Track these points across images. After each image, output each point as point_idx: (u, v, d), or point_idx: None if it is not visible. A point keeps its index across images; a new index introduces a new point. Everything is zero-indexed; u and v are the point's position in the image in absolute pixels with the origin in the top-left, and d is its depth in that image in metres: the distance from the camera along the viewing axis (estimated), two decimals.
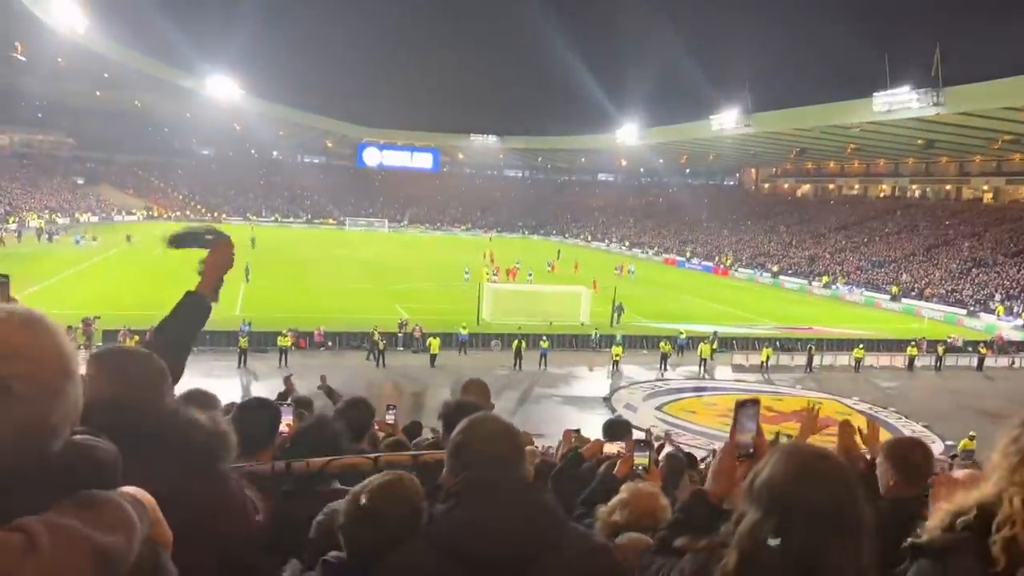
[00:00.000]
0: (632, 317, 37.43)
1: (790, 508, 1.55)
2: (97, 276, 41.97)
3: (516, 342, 29.32)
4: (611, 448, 5.12)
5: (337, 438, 3.05)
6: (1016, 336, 39.68)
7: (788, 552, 1.53)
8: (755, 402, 2.09)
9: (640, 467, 3.75)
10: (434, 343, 28.50)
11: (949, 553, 1.59)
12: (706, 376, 29.58)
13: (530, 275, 50.71)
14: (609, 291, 37.75)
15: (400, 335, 30.45)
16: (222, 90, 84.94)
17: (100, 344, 24.83)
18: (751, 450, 1.97)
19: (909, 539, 1.73)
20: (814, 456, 1.64)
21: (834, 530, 1.53)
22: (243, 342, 26.46)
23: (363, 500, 1.85)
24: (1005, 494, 1.56)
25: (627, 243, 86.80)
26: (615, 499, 2.85)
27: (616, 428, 5.81)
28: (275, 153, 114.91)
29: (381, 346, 28.04)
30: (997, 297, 48.12)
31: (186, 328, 2.59)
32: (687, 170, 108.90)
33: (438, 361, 28.17)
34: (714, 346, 31.61)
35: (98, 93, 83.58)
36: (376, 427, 6.79)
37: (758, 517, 1.58)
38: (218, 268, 2.63)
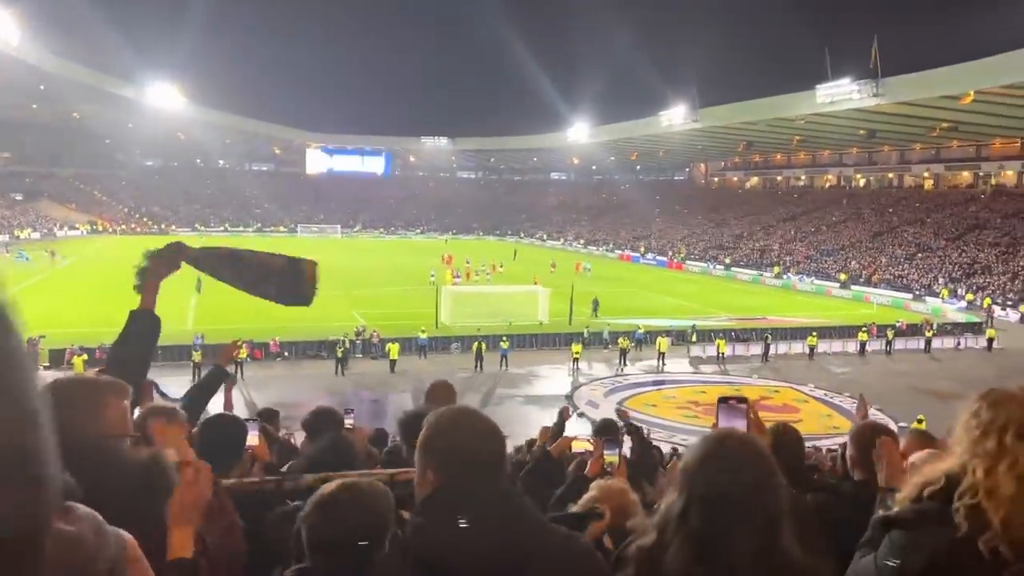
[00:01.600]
0: (589, 314, 37.63)
1: (697, 492, 1.59)
2: (41, 294, 40.72)
3: (476, 344, 29.24)
4: (578, 445, 5.12)
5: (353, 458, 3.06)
6: (960, 318, 40.89)
7: (692, 535, 1.56)
8: (741, 399, 2.08)
9: (610, 465, 3.76)
10: (393, 348, 28.27)
11: (917, 522, 1.64)
12: (664, 369, 29.88)
13: (489, 274, 50.74)
14: (565, 289, 37.89)
15: (358, 341, 30.13)
16: (164, 99, 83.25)
17: (46, 364, 24.05)
18: None
19: (880, 512, 1.77)
20: (727, 442, 1.66)
21: (736, 516, 1.55)
22: (196, 356, 25.86)
23: (327, 499, 1.80)
24: (969, 464, 1.61)
25: (582, 241, 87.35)
26: (586, 496, 2.85)
27: (607, 429, 5.85)
28: (222, 162, 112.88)
29: (339, 353, 27.73)
30: (941, 280, 49.62)
31: (138, 346, 2.49)
32: (638, 167, 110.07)
33: (398, 366, 27.95)
34: (693, 339, 32.60)
35: (35, 106, 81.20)
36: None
37: (672, 499, 1.63)
38: (158, 276, 2.53)
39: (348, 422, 7.54)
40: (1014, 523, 1.51)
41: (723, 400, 2.12)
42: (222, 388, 5.62)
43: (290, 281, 2.35)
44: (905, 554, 1.63)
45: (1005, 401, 1.68)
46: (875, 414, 23.37)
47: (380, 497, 1.83)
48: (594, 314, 37.60)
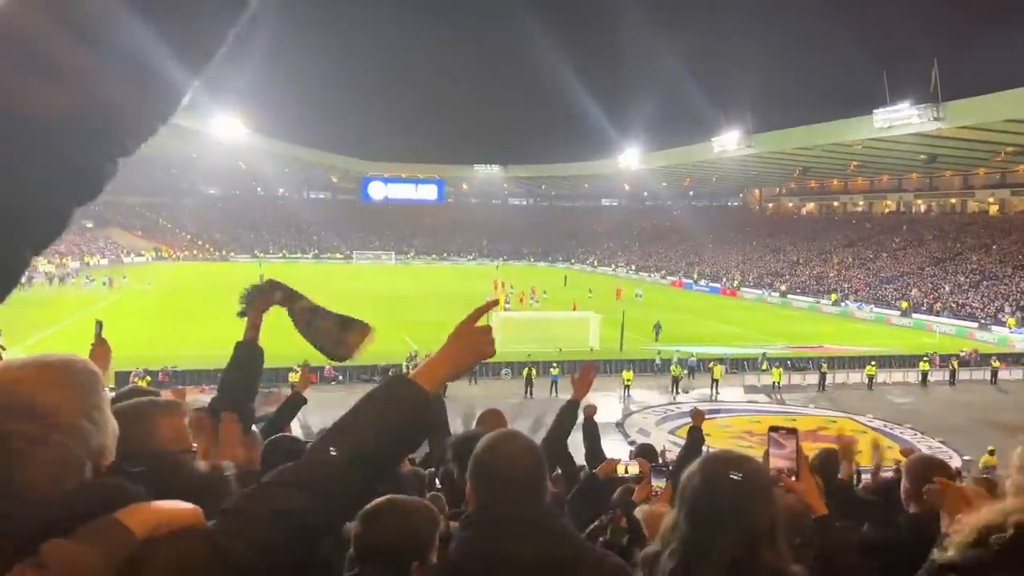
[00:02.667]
0: (641, 341, 37.34)
1: (686, 504, 1.70)
2: (109, 317, 42.16)
3: (526, 369, 29.25)
4: (624, 468, 5.15)
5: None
6: None
7: (682, 543, 1.67)
8: (791, 431, 2.15)
9: (657, 489, 3.83)
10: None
11: (983, 570, 1.61)
12: (717, 398, 29.41)
13: (541, 296, 50.93)
14: (616, 314, 37.70)
15: (410, 366, 30.45)
16: (226, 129, 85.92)
17: (112, 387, 24.85)
18: (792, 475, 2.03)
19: (933, 556, 1.75)
20: (720, 462, 1.74)
21: (718, 527, 1.62)
22: None
23: (377, 510, 1.92)
24: None
25: (633, 267, 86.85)
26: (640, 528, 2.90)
27: (647, 453, 5.92)
28: (281, 190, 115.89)
29: None
30: (1007, 309, 47.86)
31: (244, 373, 2.81)
32: (691, 192, 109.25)
33: (448, 392, 28.11)
34: (764, 367, 32.11)
35: None
36: None
37: (675, 520, 1.73)
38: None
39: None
40: None
41: (773, 429, 2.17)
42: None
43: (333, 339, 2.57)
44: None
45: None
46: (938, 447, 22.64)
47: (422, 511, 1.94)
48: (656, 338, 38.03)
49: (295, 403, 4.70)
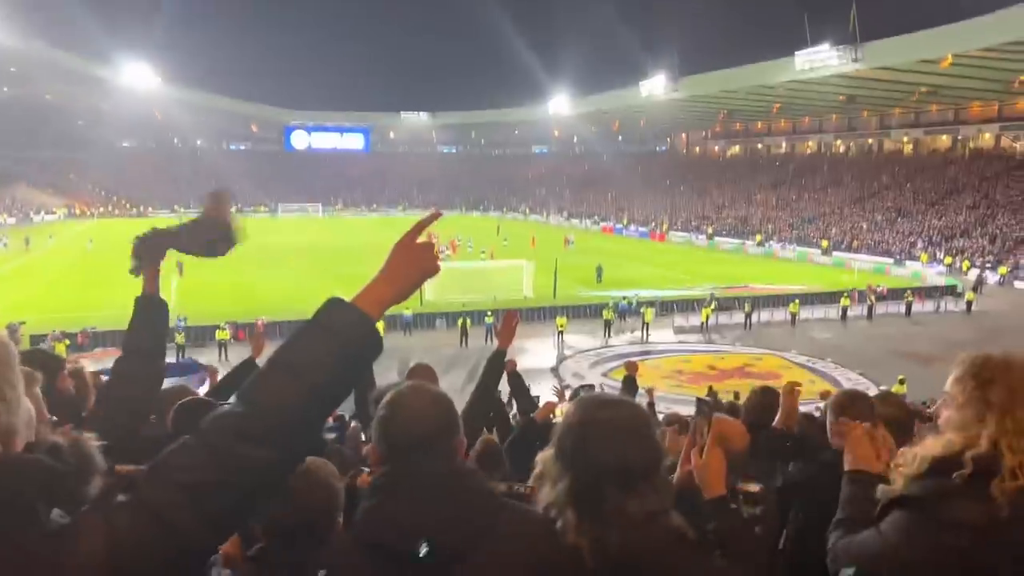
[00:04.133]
0: (573, 286, 37.72)
1: (570, 457, 1.63)
2: (18, 279, 40.26)
3: (461, 319, 29.27)
4: (562, 411, 5.18)
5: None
6: (940, 281, 41.35)
7: (576, 492, 1.60)
8: (713, 406, 2.04)
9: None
10: (378, 326, 28.17)
11: (944, 501, 1.64)
12: (648, 340, 30.07)
13: (480, 251, 50.89)
14: (549, 261, 37.94)
15: None
16: (139, 79, 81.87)
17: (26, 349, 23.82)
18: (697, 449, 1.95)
19: (882, 489, 1.78)
20: (594, 405, 1.70)
21: (609, 471, 1.59)
22: (179, 338, 25.77)
23: None
24: (1001, 442, 1.62)
25: (565, 214, 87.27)
26: (536, 469, 2.82)
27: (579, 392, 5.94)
28: (199, 141, 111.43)
29: None
30: (920, 244, 50.09)
31: (150, 333, 2.47)
32: (620, 138, 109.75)
33: (383, 344, 27.91)
34: (712, 308, 32.63)
35: (5, 88, 79.65)
36: None
37: (555, 463, 1.67)
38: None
39: None
40: None
41: (700, 400, 2.11)
42: (207, 375, 5.57)
43: (216, 234, 2.40)
44: (935, 533, 1.63)
45: (1008, 369, 1.70)
46: (857, 378, 23.73)
47: (329, 476, 1.84)
48: (598, 281, 39.33)
49: (246, 368, 4.29)
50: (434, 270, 1.34)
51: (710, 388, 19.11)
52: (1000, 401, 1.67)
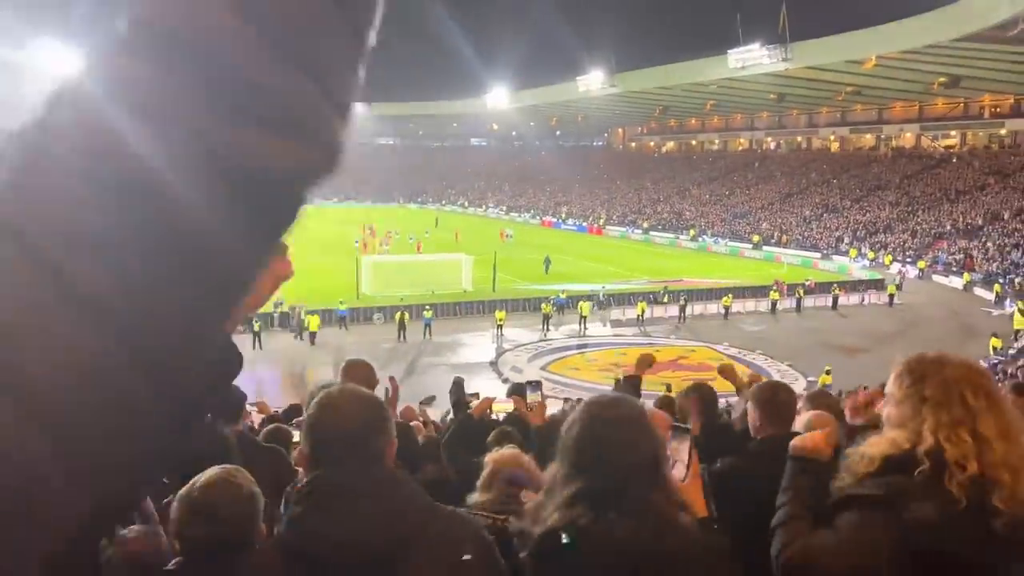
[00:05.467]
0: (512, 280, 37.82)
1: (585, 457, 1.64)
2: None
3: (399, 314, 29.05)
4: (498, 407, 5.21)
5: None
6: (864, 275, 42.88)
7: (595, 497, 1.61)
8: (685, 431, 2.04)
9: (533, 404, 4.02)
10: (313, 320, 27.79)
11: (901, 499, 1.66)
12: (585, 333, 30.37)
13: (411, 239, 50.66)
14: (488, 256, 37.94)
15: (276, 314, 29.46)
16: (51, 54, 78.36)
17: None
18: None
19: (838, 487, 1.79)
20: (603, 406, 1.74)
21: (629, 470, 1.61)
22: None
23: (195, 494, 1.75)
24: (940, 436, 1.66)
25: (504, 207, 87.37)
26: (483, 473, 2.84)
27: (521, 391, 5.92)
28: None
29: (256, 327, 26.91)
30: (847, 239, 51.84)
31: None
32: (558, 132, 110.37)
33: (318, 339, 27.54)
34: (664, 300, 33.92)
35: None
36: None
37: (565, 471, 1.67)
38: None
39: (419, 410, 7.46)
40: (1020, 487, 1.58)
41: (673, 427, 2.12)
42: None
43: None
44: (895, 531, 1.65)
45: (940, 366, 1.76)
46: (786, 369, 24.44)
47: (248, 486, 1.78)
48: (545, 272, 40.63)
49: None
50: (288, 274, 1.28)
51: (668, 387, 19.40)
52: (934, 395, 1.72)
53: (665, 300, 33.96)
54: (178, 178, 0.40)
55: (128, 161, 0.39)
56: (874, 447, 1.75)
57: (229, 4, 0.41)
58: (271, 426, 5.53)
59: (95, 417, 0.39)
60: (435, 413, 11.82)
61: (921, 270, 44.29)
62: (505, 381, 21.35)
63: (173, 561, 1.77)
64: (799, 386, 20.49)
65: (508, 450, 3.02)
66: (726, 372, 5.15)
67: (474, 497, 2.71)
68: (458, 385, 5.49)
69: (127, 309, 0.39)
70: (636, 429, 1.66)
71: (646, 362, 4.60)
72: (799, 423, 2.99)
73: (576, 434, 1.67)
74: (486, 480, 2.74)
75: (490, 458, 2.87)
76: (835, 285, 37.34)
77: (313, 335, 27.56)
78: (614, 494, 1.60)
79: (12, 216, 0.38)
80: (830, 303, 35.97)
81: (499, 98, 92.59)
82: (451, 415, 6.39)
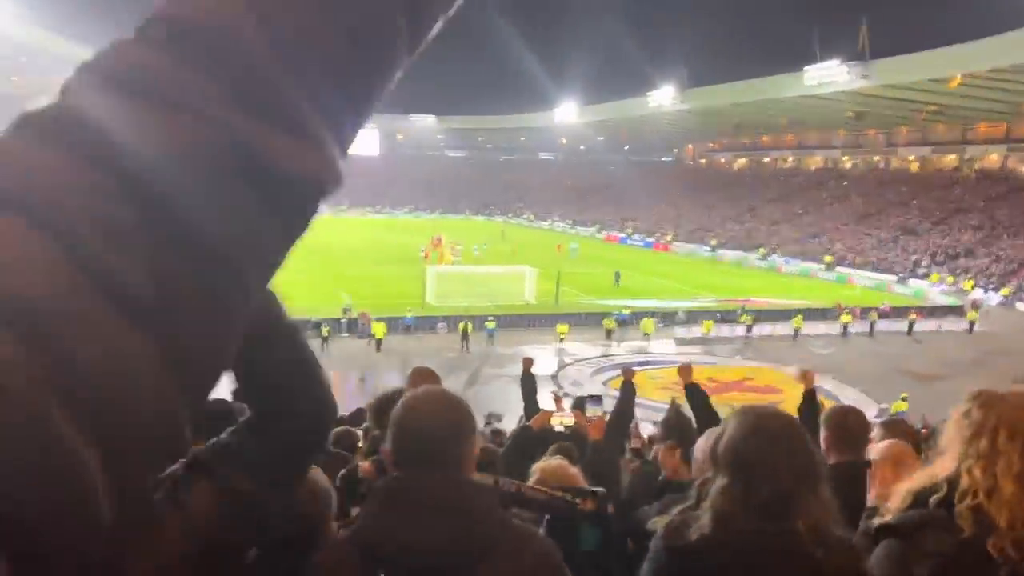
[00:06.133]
0: (576, 295, 37.73)
1: (752, 465, 1.64)
2: None
3: (462, 324, 29.30)
4: (558, 419, 5.20)
5: None
6: (943, 300, 41.31)
7: (760, 506, 1.61)
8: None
9: (592, 416, 4.01)
10: (379, 328, 28.28)
11: (919, 530, 1.68)
12: (649, 350, 30.05)
13: (476, 251, 51.16)
14: (553, 269, 37.99)
15: (344, 320, 30.10)
16: None
17: None
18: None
19: (875, 520, 1.81)
20: (764, 415, 1.75)
21: (795, 478, 1.62)
22: None
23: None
24: (963, 466, 1.66)
25: (570, 221, 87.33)
26: (530, 480, 2.85)
27: (580, 402, 5.97)
28: None
29: (324, 332, 27.55)
30: (925, 263, 50.03)
31: None
32: (627, 147, 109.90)
33: (384, 346, 27.99)
34: (743, 320, 33.12)
35: (14, 78, 79.94)
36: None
37: (726, 480, 1.67)
38: None
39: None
40: (1018, 523, 1.57)
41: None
42: None
43: None
44: (909, 562, 1.66)
45: (995, 402, 1.73)
46: (857, 395, 23.69)
47: (324, 482, 1.81)
48: (616, 284, 40.90)
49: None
50: None
51: (673, 400, 19.16)
52: (975, 429, 1.70)
53: (744, 320, 33.23)
54: (197, 172, 0.40)
55: (141, 152, 0.39)
56: (910, 482, 1.77)
57: (251, 8, 0.41)
58: (339, 429, 5.64)
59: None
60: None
61: (1005, 297, 42.41)
62: (566, 395, 21.28)
63: (250, 553, 1.83)
64: (871, 413, 19.86)
65: (555, 460, 3.04)
66: (683, 372, 5.08)
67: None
68: (528, 373, 5.57)
69: (147, 298, 0.39)
70: (798, 440, 1.68)
71: (688, 369, 4.77)
72: (875, 451, 2.93)
73: (738, 444, 1.69)
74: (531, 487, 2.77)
75: (537, 467, 2.90)
76: (912, 310, 36.06)
77: (379, 342, 28.03)
78: (776, 504, 1.61)
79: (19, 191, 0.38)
80: (906, 328, 34.76)
81: (568, 112, 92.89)
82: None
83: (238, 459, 1.07)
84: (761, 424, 1.71)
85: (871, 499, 2.28)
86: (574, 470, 2.92)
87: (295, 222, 0.47)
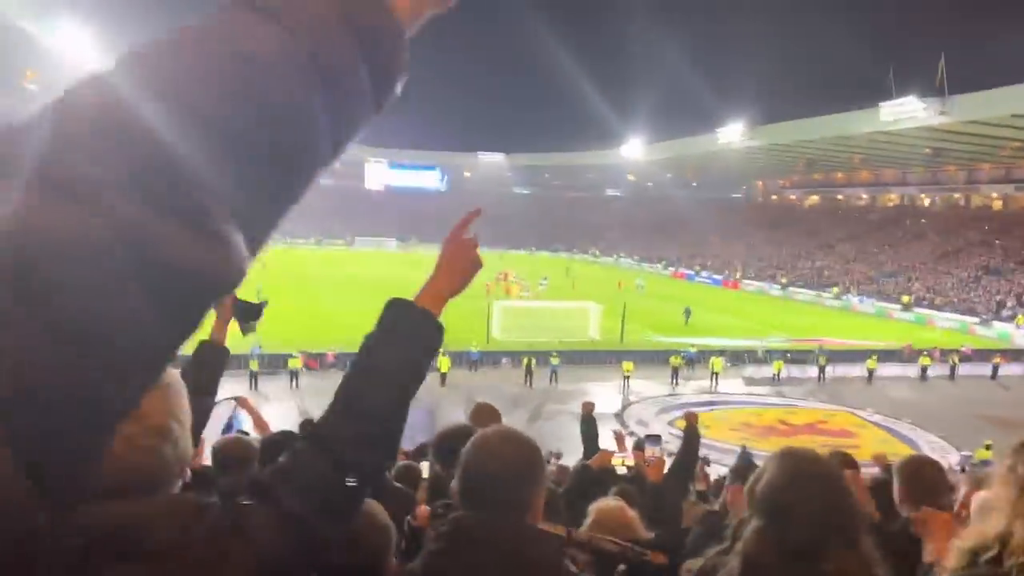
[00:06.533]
0: (643, 332, 37.35)
1: (788, 509, 1.61)
2: None
3: (526, 359, 29.30)
4: (619, 460, 5.16)
5: None
6: None
7: (791, 551, 1.58)
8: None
9: (651, 457, 3.96)
10: (444, 361, 28.49)
11: None
12: (717, 390, 29.45)
13: (541, 285, 51.17)
14: (618, 305, 37.72)
15: None
16: None
17: None
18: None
19: None
20: (805, 459, 1.71)
21: (831, 526, 1.58)
22: (253, 364, 26.52)
23: None
24: (1014, 524, 1.59)
25: (636, 257, 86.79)
26: (586, 521, 2.85)
27: (641, 443, 5.92)
28: None
29: None
30: (1010, 304, 47.81)
31: (206, 374, 2.62)
32: (695, 183, 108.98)
33: (448, 380, 28.17)
34: (821, 362, 32.08)
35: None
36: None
37: (760, 522, 1.64)
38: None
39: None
40: None
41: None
42: (243, 404, 5.45)
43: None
44: None
45: None
46: (936, 440, 22.69)
47: (385, 518, 1.86)
48: (686, 323, 40.47)
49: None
50: (479, 263, 1.43)
51: (743, 447, 18.76)
52: (1021, 483, 1.63)
53: (820, 362, 32.13)
54: (83, 258, 0.39)
55: (23, 234, 0.39)
56: (965, 538, 1.70)
57: (156, 96, 0.41)
58: (402, 463, 5.69)
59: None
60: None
61: None
62: (631, 434, 21.00)
63: None
64: (952, 459, 19.02)
65: (613, 501, 3.03)
66: (690, 418, 5.01)
67: None
68: (588, 417, 5.55)
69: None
70: (838, 489, 1.64)
71: (695, 417, 4.84)
72: (974, 503, 2.84)
73: (775, 487, 1.66)
74: (587, 527, 2.75)
75: (594, 507, 2.88)
76: (996, 353, 34.44)
77: (444, 376, 28.23)
78: (809, 552, 1.58)
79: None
80: (989, 372, 33.19)
81: (635, 149, 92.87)
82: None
83: (295, 482, 1.08)
84: (801, 468, 1.67)
85: (927, 554, 2.19)
86: (632, 513, 2.90)
87: (186, 315, 0.44)
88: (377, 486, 1.19)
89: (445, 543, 1.52)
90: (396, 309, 1.25)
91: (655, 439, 4.28)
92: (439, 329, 1.25)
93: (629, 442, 6.85)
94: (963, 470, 15.41)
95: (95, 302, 0.39)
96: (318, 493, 1.08)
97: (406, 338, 1.22)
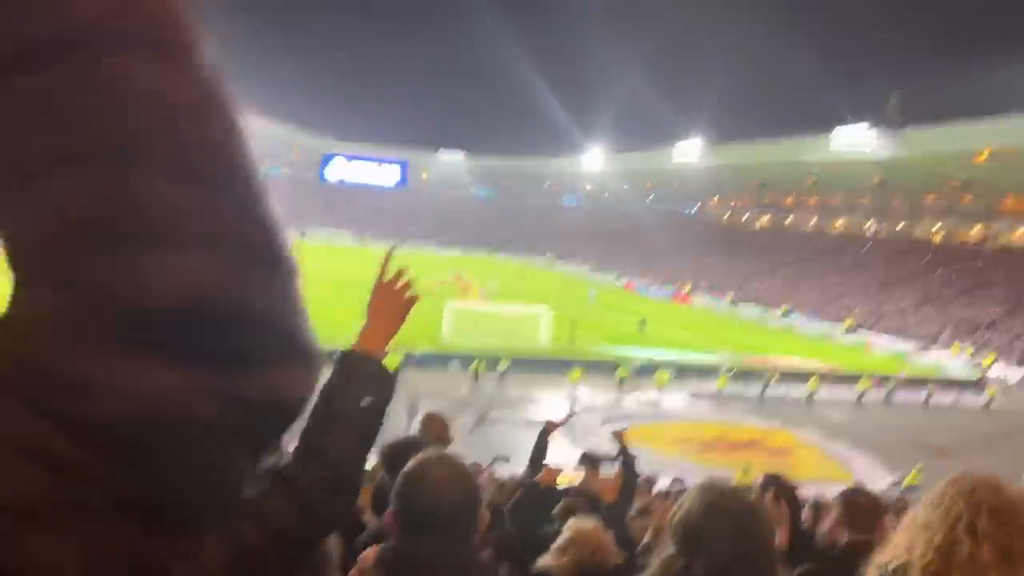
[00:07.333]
0: (590, 342, 37.59)
1: (699, 540, 1.63)
2: None
3: (474, 363, 29.23)
4: (565, 478, 5.15)
5: None
6: (961, 373, 40.73)
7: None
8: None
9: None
10: (391, 361, 28.19)
11: None
12: (661, 403, 29.79)
13: (482, 290, 51.13)
14: (570, 312, 37.94)
15: None
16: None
17: None
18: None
19: None
20: (723, 494, 1.73)
21: (740, 561, 1.60)
22: None
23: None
24: (920, 541, 1.61)
25: (589, 266, 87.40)
26: (560, 539, 2.86)
27: (590, 460, 5.95)
28: None
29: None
30: (946, 334, 49.43)
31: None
32: (651, 197, 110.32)
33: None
34: (772, 379, 32.85)
35: None
36: None
37: (672, 550, 1.67)
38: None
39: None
40: None
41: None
42: None
43: None
44: None
45: (965, 489, 1.67)
46: (870, 462, 23.29)
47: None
48: (640, 332, 41.10)
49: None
50: (415, 299, 1.49)
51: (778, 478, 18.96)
52: (942, 512, 1.63)
53: (775, 380, 32.87)
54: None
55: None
56: (883, 554, 1.68)
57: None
58: None
59: None
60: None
61: None
62: (573, 414, 21.10)
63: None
64: (886, 481, 19.57)
65: (589, 523, 3.05)
66: (618, 436, 5.36)
67: (545, 560, 2.75)
68: (542, 440, 5.53)
69: None
70: (753, 526, 1.65)
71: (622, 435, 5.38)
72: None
73: (690, 517, 1.68)
74: (563, 546, 2.76)
75: (572, 525, 2.91)
76: (930, 384, 35.58)
77: None
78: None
79: None
80: (922, 399, 34.25)
81: (594, 159, 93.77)
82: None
83: (256, 519, 1.07)
84: (717, 502, 1.68)
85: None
86: (607, 536, 2.93)
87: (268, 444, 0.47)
88: (338, 528, 1.17)
89: (389, 568, 1.52)
90: (351, 360, 1.28)
91: (612, 460, 4.30)
92: (393, 378, 1.30)
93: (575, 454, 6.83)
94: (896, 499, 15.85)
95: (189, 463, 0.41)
96: (277, 532, 1.08)
97: (363, 386, 1.24)
